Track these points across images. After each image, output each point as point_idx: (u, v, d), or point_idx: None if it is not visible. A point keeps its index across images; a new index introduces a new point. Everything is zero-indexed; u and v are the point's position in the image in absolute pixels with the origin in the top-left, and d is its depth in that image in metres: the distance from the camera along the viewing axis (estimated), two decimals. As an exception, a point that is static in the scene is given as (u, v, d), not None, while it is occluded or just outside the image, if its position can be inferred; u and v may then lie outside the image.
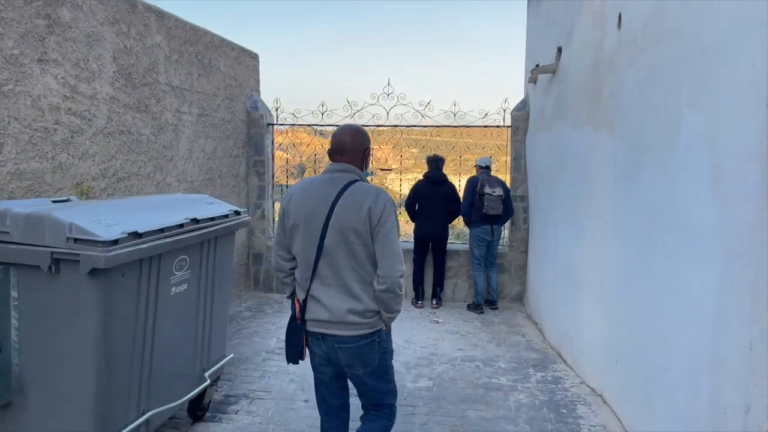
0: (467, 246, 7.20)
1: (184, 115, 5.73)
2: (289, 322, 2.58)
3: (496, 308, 6.99)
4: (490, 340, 5.81)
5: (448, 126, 7.27)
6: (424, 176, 7.03)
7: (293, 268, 2.55)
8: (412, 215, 6.97)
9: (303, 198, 2.45)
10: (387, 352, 2.56)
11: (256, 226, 7.52)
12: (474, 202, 6.74)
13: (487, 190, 6.63)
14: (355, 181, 2.45)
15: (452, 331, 6.11)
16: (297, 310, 2.51)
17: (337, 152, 2.51)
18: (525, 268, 7.18)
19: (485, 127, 7.25)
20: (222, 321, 3.96)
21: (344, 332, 2.41)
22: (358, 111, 7.34)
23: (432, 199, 6.87)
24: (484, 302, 6.96)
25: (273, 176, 7.64)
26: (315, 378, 2.69)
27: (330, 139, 2.61)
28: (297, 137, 7.42)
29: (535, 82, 6.75)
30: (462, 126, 7.25)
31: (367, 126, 7.37)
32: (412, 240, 7.09)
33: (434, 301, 7.06)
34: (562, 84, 5.49)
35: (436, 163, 6.96)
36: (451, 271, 7.26)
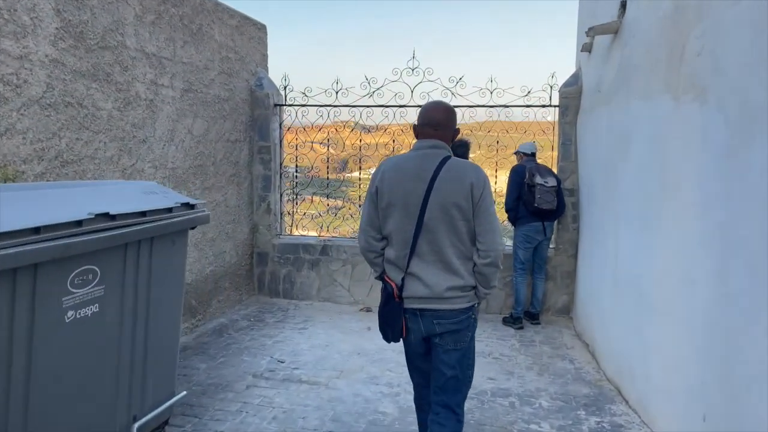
0: (506, 247, 6.09)
1: (164, 89, 4.81)
2: (386, 303, 2.53)
3: (539, 323, 5.86)
4: (530, 367, 4.69)
5: (483, 106, 6.16)
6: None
7: (383, 248, 2.56)
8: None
9: (398, 176, 2.45)
10: (474, 331, 2.59)
11: (261, 222, 6.59)
12: (521, 195, 5.62)
13: (539, 180, 5.49)
14: (449, 157, 2.45)
15: (483, 352, 5.02)
16: (395, 289, 2.48)
17: (430, 127, 2.49)
18: (574, 276, 6.02)
19: (528, 106, 6.10)
20: (167, 351, 3.00)
21: (443, 306, 2.43)
22: (378, 89, 6.29)
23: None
24: (524, 315, 5.83)
25: (281, 165, 6.69)
26: (409, 353, 2.71)
27: (418, 116, 2.59)
28: (306, 136, 6.46)
29: (590, 51, 5.56)
30: (500, 106, 6.12)
31: (388, 107, 6.33)
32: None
33: (464, 313, 5.97)
34: (626, 46, 4.31)
35: (460, 149, 5.87)
36: (484, 277, 6.16)
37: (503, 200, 5.85)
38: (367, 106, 6.36)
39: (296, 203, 6.75)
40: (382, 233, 2.53)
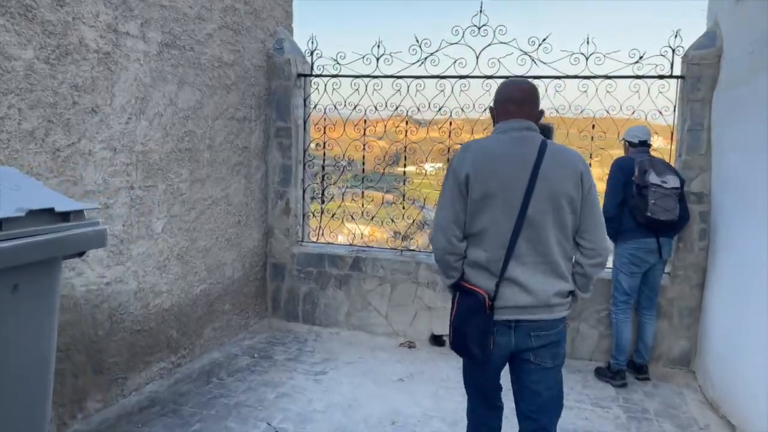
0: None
1: (129, 40, 3.41)
2: (471, 315, 2.13)
3: (647, 378, 4.19)
4: (653, 465, 3.07)
5: (575, 77, 4.52)
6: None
7: (464, 249, 2.19)
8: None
9: (493, 162, 2.12)
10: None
11: (277, 225, 5.16)
12: (627, 200, 3.99)
13: (653, 178, 3.85)
14: (544, 140, 2.17)
15: (571, 426, 3.42)
16: (486, 299, 2.10)
17: (515, 103, 2.18)
18: (698, 314, 4.32)
19: (639, 77, 4.42)
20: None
21: (546, 316, 2.14)
22: (432, 54, 4.75)
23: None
24: (627, 366, 4.18)
25: (305, 152, 5.23)
26: (480, 373, 2.31)
27: (495, 95, 2.28)
28: (335, 130, 4.95)
29: (741, -7, 3.84)
30: (599, 77, 4.46)
31: (445, 77, 4.77)
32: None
33: (541, 358, 4.37)
34: None
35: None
36: (571, 310, 4.53)
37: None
38: (418, 77, 4.83)
39: (323, 201, 5.28)
40: (465, 232, 2.18)
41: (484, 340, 2.12)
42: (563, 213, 2.09)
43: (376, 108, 4.97)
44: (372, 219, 5.13)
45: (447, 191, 2.17)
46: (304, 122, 5.20)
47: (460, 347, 2.20)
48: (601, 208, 3.84)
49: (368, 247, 5.19)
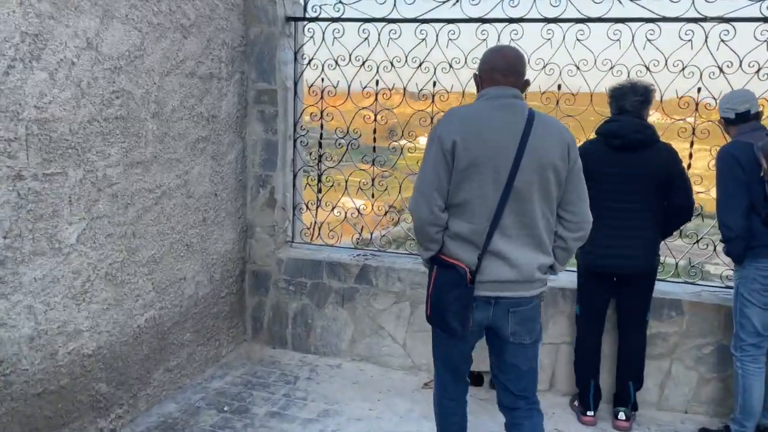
0: (697, 292, 3.27)
1: (5, -63, 2.09)
2: (452, 288, 2.05)
3: (777, 447, 2.99)
4: None
5: (675, 19, 3.21)
6: (599, 132, 3.04)
7: (445, 221, 2.09)
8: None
9: (480, 130, 2.01)
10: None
11: (258, 221, 3.89)
12: (757, 203, 2.74)
13: None
14: (531, 109, 2.06)
15: None
16: (468, 272, 2.03)
17: (500, 72, 2.08)
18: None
19: None
20: None
21: (525, 292, 2.08)
22: (469, -10, 3.43)
23: (620, 186, 2.95)
24: (752, 432, 2.96)
25: (297, 124, 3.94)
26: (454, 347, 2.24)
27: (480, 63, 2.18)
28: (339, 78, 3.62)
29: None
30: (710, 20, 3.15)
31: (490, 20, 3.46)
32: (574, 277, 3.25)
33: (621, 413, 3.14)
34: None
35: (629, 98, 2.99)
36: (660, 345, 3.30)
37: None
38: (451, 21, 3.51)
39: (320, 190, 3.99)
40: (447, 202, 2.05)
41: (464, 315, 2.06)
42: (549, 185, 2.03)
43: (392, 64, 3.65)
44: (368, 191, 3.86)
45: (431, 158, 2.06)
46: (295, 83, 3.88)
47: (438, 322, 2.14)
48: (719, 221, 2.60)
49: (380, 251, 3.92)
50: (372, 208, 3.89)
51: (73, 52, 2.42)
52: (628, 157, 2.93)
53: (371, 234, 3.97)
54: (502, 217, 2.00)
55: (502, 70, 2.08)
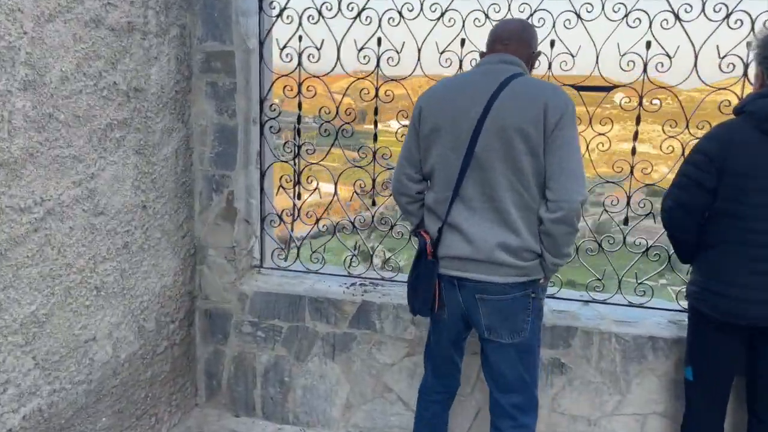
0: None
1: None
2: (416, 259, 1.98)
3: None
4: None
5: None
6: (745, 111, 1.97)
7: (420, 192, 2.02)
8: (690, 242, 2.05)
9: (448, 94, 1.91)
10: (539, 318, 1.98)
11: (211, 240, 2.75)
12: None
13: None
14: (521, 74, 1.85)
15: None
16: (428, 243, 1.93)
17: (499, 42, 1.93)
18: None
19: None
20: None
21: (490, 276, 1.85)
22: None
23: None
24: None
25: (265, 102, 2.79)
26: (436, 338, 2.10)
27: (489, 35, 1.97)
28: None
29: None
30: None
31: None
32: (685, 321, 2.19)
33: None
34: None
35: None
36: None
37: None
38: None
39: (299, 196, 2.86)
40: (422, 171, 1.97)
41: (427, 292, 1.93)
42: (516, 153, 1.77)
43: (400, 14, 2.53)
44: (366, 197, 2.75)
45: (409, 129, 1.99)
46: (261, 44, 2.73)
47: (408, 300, 2.03)
48: None
49: (383, 279, 2.82)
50: (372, 221, 2.79)
51: None
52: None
53: (371, 257, 2.87)
54: (462, 186, 1.85)
55: (503, 39, 1.93)
